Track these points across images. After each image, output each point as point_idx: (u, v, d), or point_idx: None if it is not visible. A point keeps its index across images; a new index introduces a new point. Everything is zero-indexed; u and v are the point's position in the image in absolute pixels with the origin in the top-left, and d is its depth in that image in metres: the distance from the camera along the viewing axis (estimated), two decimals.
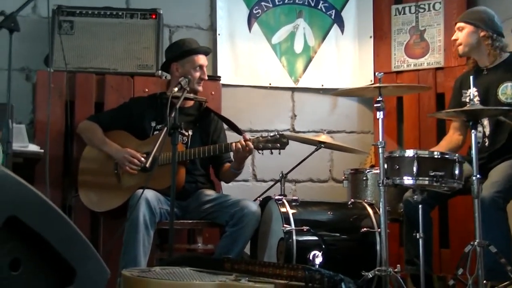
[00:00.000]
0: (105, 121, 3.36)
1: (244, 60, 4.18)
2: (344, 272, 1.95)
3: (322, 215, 3.16)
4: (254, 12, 4.21)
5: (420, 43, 4.15)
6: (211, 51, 3.63)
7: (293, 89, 4.28)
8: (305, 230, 2.92)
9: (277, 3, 4.25)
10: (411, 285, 3.15)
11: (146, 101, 3.40)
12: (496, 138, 3.21)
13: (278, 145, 3.04)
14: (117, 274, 2.09)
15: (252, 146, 3.04)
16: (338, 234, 3.08)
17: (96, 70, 3.60)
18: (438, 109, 3.95)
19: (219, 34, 4.14)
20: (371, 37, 4.29)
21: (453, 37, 3.38)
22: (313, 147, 3.44)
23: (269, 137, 3.06)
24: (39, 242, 1.48)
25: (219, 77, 3.89)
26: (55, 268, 1.53)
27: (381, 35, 4.27)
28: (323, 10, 4.30)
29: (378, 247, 2.94)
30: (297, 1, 4.28)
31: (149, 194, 2.98)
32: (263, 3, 4.23)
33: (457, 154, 2.85)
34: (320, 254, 2.79)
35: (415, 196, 2.84)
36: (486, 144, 3.24)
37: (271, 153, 3.07)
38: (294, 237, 2.88)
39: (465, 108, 2.81)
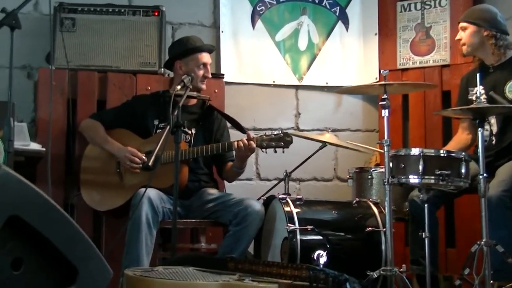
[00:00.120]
0: (108, 120, 3.35)
1: (247, 57, 4.17)
2: (348, 272, 1.94)
3: (327, 214, 3.15)
4: (258, 9, 4.19)
5: (425, 40, 4.13)
6: (215, 49, 3.64)
7: (297, 87, 4.26)
8: (309, 229, 2.90)
9: (281, 0, 4.23)
10: (416, 285, 3.14)
11: (149, 99, 3.39)
12: (504, 136, 3.20)
13: (282, 143, 3.02)
14: (120, 274, 2.14)
15: (253, 145, 3.03)
16: (342, 234, 3.07)
17: (98, 68, 3.60)
18: (444, 107, 3.93)
19: (222, 32, 4.12)
20: (376, 34, 4.27)
21: (457, 37, 3.39)
22: (318, 146, 3.44)
23: (272, 135, 3.05)
24: (41, 242, 1.49)
25: (223, 75, 3.89)
26: (57, 268, 1.54)
27: (386, 32, 4.25)
28: (328, 7, 4.28)
29: (383, 247, 2.93)
30: None
31: (152, 193, 2.97)
32: (266, 0, 4.21)
33: (463, 153, 2.84)
34: (324, 253, 2.78)
35: (421, 195, 2.83)
36: (493, 142, 3.23)
37: (275, 151, 3.06)
38: (298, 237, 2.87)
39: (472, 106, 2.80)
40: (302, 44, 4.24)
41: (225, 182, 3.51)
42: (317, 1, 4.27)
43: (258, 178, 4.13)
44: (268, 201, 3.15)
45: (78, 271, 1.55)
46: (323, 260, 2.76)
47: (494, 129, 3.23)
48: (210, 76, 3.36)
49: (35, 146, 3.06)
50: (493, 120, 3.23)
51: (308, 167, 3.64)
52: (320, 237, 2.92)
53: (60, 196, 3.40)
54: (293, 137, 3.07)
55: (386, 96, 2.77)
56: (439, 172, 2.69)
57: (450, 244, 3.85)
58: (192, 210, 3.20)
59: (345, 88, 3.87)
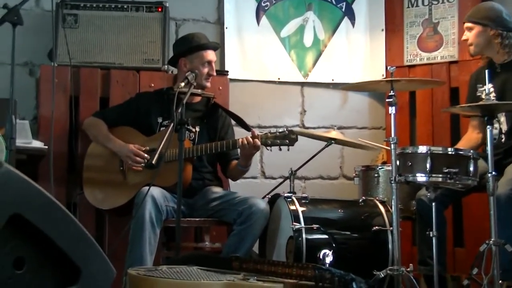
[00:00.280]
0: (111, 117, 3.35)
1: (252, 54, 4.14)
2: (355, 272, 1.95)
3: (333, 213, 3.15)
4: (263, 5, 4.18)
5: (433, 36, 4.10)
6: (220, 47, 3.66)
7: (302, 84, 4.24)
8: (315, 228, 2.89)
9: None
10: (424, 285, 3.14)
11: (153, 97, 3.39)
12: None
13: (287, 141, 3.01)
14: (123, 273, 2.13)
15: (258, 143, 3.02)
16: (349, 233, 3.06)
17: (101, 65, 3.59)
18: (452, 104, 3.91)
19: (226, 28, 4.10)
20: (382, 30, 4.24)
21: (463, 38, 3.38)
22: (323, 143, 3.41)
23: (277, 133, 3.04)
24: (43, 241, 1.50)
25: (227, 71, 3.87)
26: (59, 267, 1.55)
27: (393, 28, 4.22)
28: (333, 2, 4.26)
29: (390, 246, 2.91)
30: None
31: (155, 191, 2.96)
32: None
33: (471, 151, 2.83)
34: (330, 253, 2.77)
35: (429, 194, 2.81)
36: (502, 140, 3.22)
37: (280, 149, 3.05)
38: (304, 236, 2.85)
39: (480, 103, 2.79)
40: (308, 40, 4.22)
41: (230, 180, 3.49)
42: None
43: (263, 176, 4.12)
44: (273, 200, 3.14)
45: (81, 271, 1.55)
46: (329, 259, 2.75)
47: (504, 127, 3.21)
48: (214, 74, 3.35)
49: (37, 144, 3.07)
50: (502, 118, 3.21)
51: (313, 165, 3.63)
52: (326, 236, 2.91)
53: (63, 195, 3.38)
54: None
55: (393, 93, 2.76)
56: (447, 170, 2.68)
57: (458, 243, 3.83)
58: (196, 208, 3.19)
59: (351, 85, 3.87)
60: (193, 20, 4.08)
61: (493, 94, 3.11)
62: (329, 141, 3.37)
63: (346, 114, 4.25)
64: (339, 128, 3.88)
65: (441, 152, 2.76)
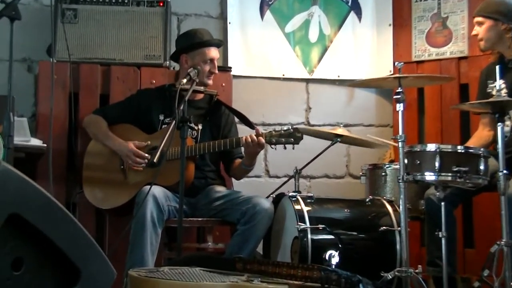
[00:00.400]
0: (112, 115, 3.34)
1: (256, 50, 4.13)
2: (362, 273, 1.93)
3: (339, 212, 3.13)
4: None
5: (442, 31, 4.08)
6: (223, 44, 3.63)
7: (307, 80, 4.23)
8: (320, 228, 2.87)
9: None
10: (433, 287, 3.10)
11: (154, 93, 3.37)
12: None
13: (292, 139, 3.00)
14: (124, 274, 2.12)
15: (262, 141, 3.00)
16: (355, 233, 3.04)
17: (101, 61, 3.58)
18: (462, 100, 3.89)
19: (229, 23, 4.08)
20: (390, 25, 4.23)
21: (473, 33, 3.37)
22: (329, 142, 3.39)
23: (282, 131, 3.02)
24: (42, 241, 1.50)
25: (230, 68, 3.86)
26: (59, 268, 1.55)
27: (401, 22, 4.21)
28: None
29: (398, 247, 2.90)
30: None
31: (157, 190, 2.94)
32: None
33: (482, 149, 2.82)
34: (336, 253, 2.77)
35: (438, 193, 2.79)
36: None
37: (285, 148, 3.03)
38: (309, 236, 2.84)
39: (491, 99, 2.75)
40: (313, 35, 4.20)
41: (233, 179, 3.48)
42: None
43: (267, 175, 4.11)
44: (278, 199, 3.13)
45: (81, 272, 1.55)
46: (335, 260, 2.74)
47: None
48: (216, 72, 3.33)
49: (35, 142, 3.07)
50: None
51: (319, 164, 3.61)
52: (332, 237, 2.89)
53: (62, 194, 3.39)
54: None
55: (401, 90, 2.74)
56: (456, 169, 2.65)
57: (468, 244, 3.83)
58: (198, 208, 3.18)
59: (358, 81, 3.83)
60: (195, 15, 4.07)
61: (504, 91, 3.06)
62: (335, 139, 3.35)
63: (352, 112, 4.24)
64: (345, 125, 3.91)
65: (450, 150, 2.73)
